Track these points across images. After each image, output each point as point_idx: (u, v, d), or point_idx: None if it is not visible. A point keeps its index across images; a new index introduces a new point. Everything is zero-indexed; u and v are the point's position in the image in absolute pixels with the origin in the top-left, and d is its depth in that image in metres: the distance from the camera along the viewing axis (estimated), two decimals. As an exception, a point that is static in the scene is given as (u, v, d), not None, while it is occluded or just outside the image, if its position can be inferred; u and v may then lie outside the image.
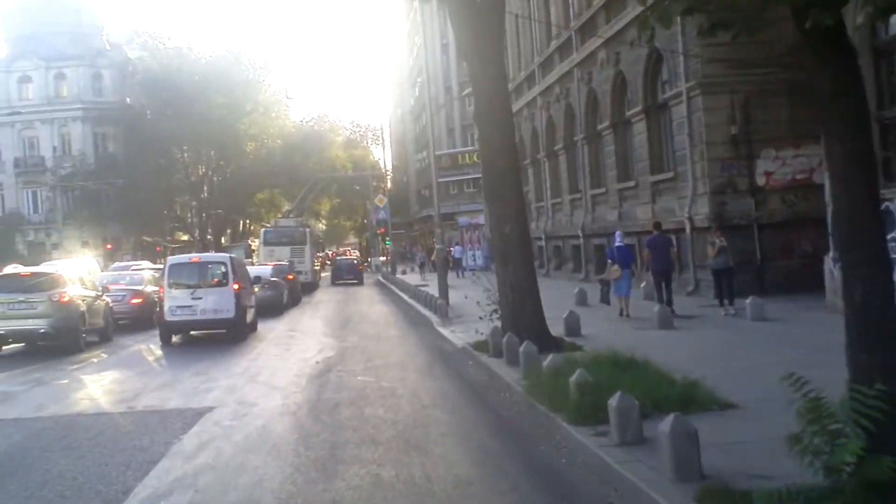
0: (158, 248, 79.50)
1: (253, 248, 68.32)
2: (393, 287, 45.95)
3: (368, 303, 38.77)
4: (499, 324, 17.33)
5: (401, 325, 27.23)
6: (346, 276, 61.81)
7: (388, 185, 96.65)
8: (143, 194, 71.79)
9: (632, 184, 32.15)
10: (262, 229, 52.91)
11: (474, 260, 60.70)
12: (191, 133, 72.32)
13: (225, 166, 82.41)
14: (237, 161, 79.89)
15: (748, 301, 19.56)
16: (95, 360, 20.78)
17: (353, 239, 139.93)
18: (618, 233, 25.32)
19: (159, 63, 75.97)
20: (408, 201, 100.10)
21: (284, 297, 34.59)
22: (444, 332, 22.26)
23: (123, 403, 14.23)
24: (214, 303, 24.15)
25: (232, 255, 27.45)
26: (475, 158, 74.73)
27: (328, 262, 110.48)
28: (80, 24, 78.61)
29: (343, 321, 29.45)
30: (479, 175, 68.56)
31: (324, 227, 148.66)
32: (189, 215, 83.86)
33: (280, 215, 68.69)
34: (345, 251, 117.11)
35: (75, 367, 19.31)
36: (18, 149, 77.85)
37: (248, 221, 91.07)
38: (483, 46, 17.31)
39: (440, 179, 78.31)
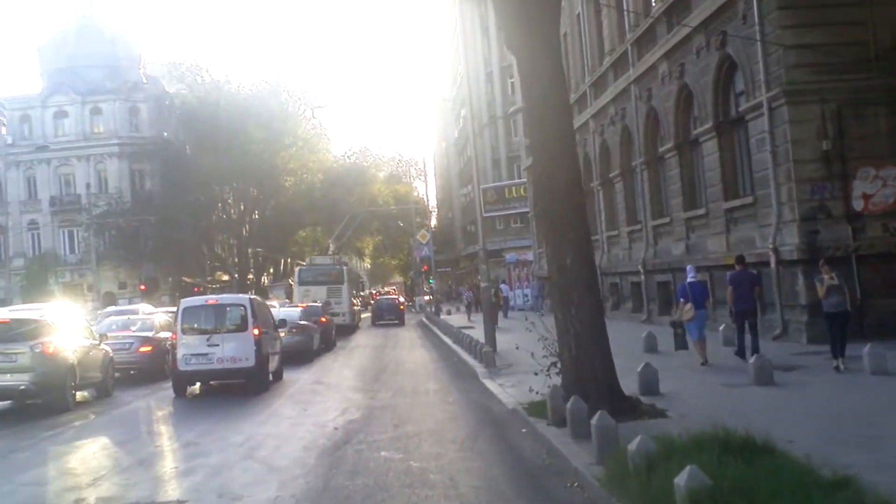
0: (197, 289, 77.02)
1: (294, 287, 65.65)
2: (436, 329, 42.54)
3: (408, 347, 35.32)
4: (558, 380, 13.85)
5: (441, 376, 23.68)
6: (387, 316, 58.76)
7: (433, 221, 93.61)
8: (180, 233, 69.25)
9: (701, 212, 28.37)
10: (297, 268, 49.84)
11: (523, 300, 57.15)
12: (229, 168, 69.67)
13: (264, 202, 79.80)
14: (276, 197, 77.18)
15: (866, 350, 15.83)
16: (79, 422, 17.48)
17: (398, 278, 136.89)
18: (689, 267, 21.67)
19: (197, 96, 73.76)
20: (453, 238, 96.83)
21: (315, 342, 31.24)
22: (492, 386, 18.77)
23: (72, 493, 10.87)
24: (233, 350, 21.32)
25: (252, 297, 24.12)
26: (522, 192, 71.34)
27: (371, 302, 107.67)
28: (117, 56, 76.99)
29: (377, 371, 25.99)
30: (527, 209, 65.41)
31: (368, 266, 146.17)
32: (228, 254, 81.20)
33: (318, 253, 65.80)
34: (388, 291, 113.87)
35: (50, 432, 16.02)
36: (55, 186, 75.82)
37: (289, 260, 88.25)
38: (536, 31, 13.92)
39: (486, 215, 75.44)
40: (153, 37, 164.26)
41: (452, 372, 24.23)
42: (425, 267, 63.80)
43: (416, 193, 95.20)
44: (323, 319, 35.46)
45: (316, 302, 43.62)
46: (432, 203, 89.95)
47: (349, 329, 46.74)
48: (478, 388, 19.43)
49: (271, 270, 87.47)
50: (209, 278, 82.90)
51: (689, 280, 20.38)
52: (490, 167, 76.14)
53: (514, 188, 72.36)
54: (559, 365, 13.99)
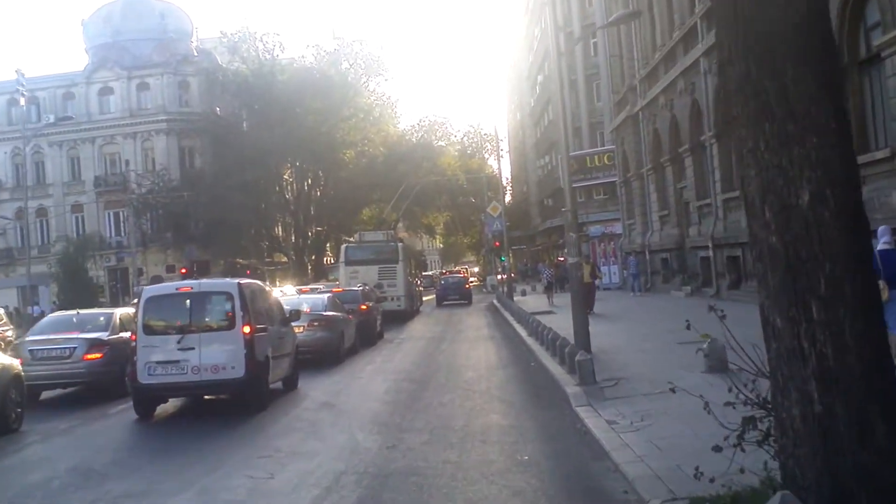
0: (249, 272, 70.17)
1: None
2: (507, 315, 34.54)
3: (471, 341, 27.18)
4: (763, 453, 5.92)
5: (511, 397, 15.31)
6: (452, 295, 52.95)
7: (507, 196, 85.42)
8: (233, 213, 62.16)
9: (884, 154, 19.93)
10: (343, 245, 42.11)
11: (610, 278, 48.84)
12: (284, 143, 62.38)
13: (323, 178, 72.53)
14: (336, 172, 69.77)
15: None
16: None
17: (471, 258, 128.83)
18: (883, 229, 13.12)
19: (250, 67, 66.55)
20: (528, 214, 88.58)
21: (346, 338, 23.36)
22: (598, 429, 10.68)
23: None
24: (214, 355, 14.71)
25: (242, 282, 16.32)
26: (606, 160, 62.88)
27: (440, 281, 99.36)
28: (166, 29, 70.21)
29: (419, 383, 17.99)
30: (611, 179, 56.96)
31: (440, 246, 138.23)
32: (287, 234, 74.05)
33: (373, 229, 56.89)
34: (459, 269, 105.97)
35: None
36: (100, 166, 69.34)
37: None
38: None
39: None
40: (206, 8, 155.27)
41: (528, 390, 16.07)
42: (497, 243, 55.72)
43: (489, 169, 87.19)
44: (364, 307, 27.66)
45: (363, 285, 35.99)
46: (506, 177, 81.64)
47: (406, 315, 38.99)
48: (572, 432, 11.33)
49: (332, 251, 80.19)
50: (267, 260, 76.02)
51: (880, 247, 11.92)
52: (571, 137, 67.35)
53: (596, 157, 63.96)
54: (777, 425, 5.87)
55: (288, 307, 19.50)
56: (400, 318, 37.92)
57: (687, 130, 34.36)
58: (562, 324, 22.15)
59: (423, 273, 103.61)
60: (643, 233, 43.11)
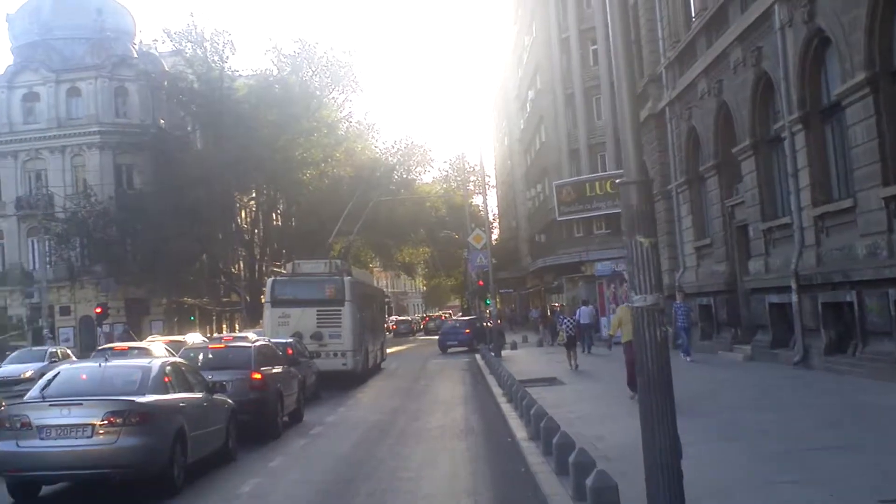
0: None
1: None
2: (494, 384, 23.46)
3: (430, 443, 15.62)
4: None
5: None
6: (452, 342, 46.95)
7: (494, 233, 74.56)
8: (177, 242, 51.33)
9: None
10: (270, 279, 31.13)
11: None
12: (235, 161, 51.63)
13: (282, 204, 61.82)
14: (294, 197, 59.05)
15: None
16: None
17: (456, 301, 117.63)
18: None
19: (196, 72, 55.94)
20: (517, 253, 77.69)
21: (187, 445, 12.21)
22: None
23: None
24: None
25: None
26: (608, 188, 52.03)
27: (421, 329, 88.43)
28: (102, 27, 59.26)
29: None
30: (615, 210, 46.40)
31: (423, 288, 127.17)
32: (242, 269, 62.91)
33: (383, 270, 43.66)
34: (441, 314, 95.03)
35: None
36: (22, 185, 58.25)
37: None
38: None
39: (560, 218, 56.24)
40: (153, 7, 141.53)
41: None
42: (480, 282, 44.80)
43: (474, 206, 76.43)
44: (256, 376, 16.51)
45: (294, 336, 25.21)
46: (492, 212, 70.82)
47: (353, 379, 27.84)
48: None
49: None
50: (225, 299, 64.93)
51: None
52: (566, 159, 56.90)
53: (597, 183, 53.03)
54: None
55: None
56: (345, 383, 26.88)
57: (746, 120, 23.76)
58: (587, 414, 14.83)
59: (399, 318, 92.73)
60: (671, 270, 32.29)
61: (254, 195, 60.76)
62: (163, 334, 46.88)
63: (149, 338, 32.48)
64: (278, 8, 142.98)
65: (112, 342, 37.14)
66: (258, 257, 59.03)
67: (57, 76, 57.89)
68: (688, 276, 30.55)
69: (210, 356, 17.41)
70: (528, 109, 66.46)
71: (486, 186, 53.31)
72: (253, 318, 54.41)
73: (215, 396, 14.13)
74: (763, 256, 23.63)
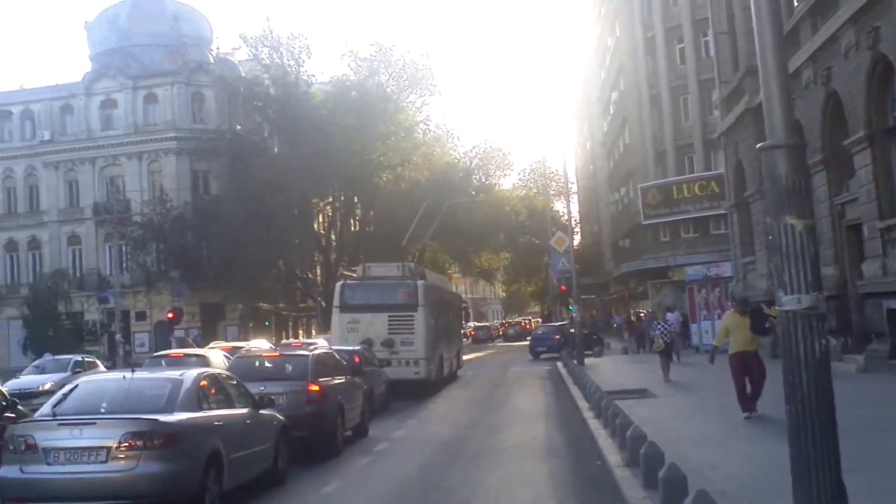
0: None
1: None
2: (578, 395, 21.30)
3: (509, 464, 13.63)
4: None
5: None
6: (541, 348, 44.63)
7: (577, 238, 72.08)
8: (253, 248, 50.16)
9: None
10: (339, 283, 29.08)
11: (712, 335, 35.50)
12: (312, 166, 50.30)
13: (360, 209, 60.43)
14: (372, 202, 57.59)
15: None
16: None
17: (536, 308, 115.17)
18: None
19: (273, 76, 54.82)
20: (600, 258, 75.13)
21: (216, 469, 10.48)
22: None
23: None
24: None
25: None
26: (696, 190, 49.44)
27: (500, 335, 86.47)
28: (179, 34, 58.60)
29: None
30: (704, 213, 43.88)
31: (502, 294, 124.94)
32: (318, 274, 61.58)
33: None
34: (520, 321, 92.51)
35: None
36: (100, 191, 57.82)
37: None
38: None
39: (645, 222, 53.64)
40: (230, 14, 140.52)
41: None
42: (563, 287, 42.60)
43: (555, 211, 74.27)
44: (314, 388, 14.66)
45: (364, 342, 23.54)
46: (574, 218, 68.27)
47: (427, 388, 25.94)
48: None
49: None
50: (301, 305, 63.74)
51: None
52: (651, 161, 54.32)
53: (685, 186, 50.45)
54: None
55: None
56: (417, 393, 24.97)
57: (861, 108, 21.24)
58: (690, 435, 13.34)
59: (478, 324, 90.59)
60: (770, 275, 29.71)
61: (330, 200, 59.36)
62: (237, 339, 45.78)
63: (211, 343, 30.98)
64: (355, 12, 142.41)
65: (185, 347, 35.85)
66: (334, 262, 57.61)
67: (134, 83, 57.41)
68: (789, 281, 27.94)
69: (264, 366, 15.63)
70: (612, 111, 63.98)
71: (569, 189, 50.77)
72: (327, 323, 52.77)
73: (262, 412, 12.32)
74: (880, 258, 21.09)
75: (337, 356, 17.30)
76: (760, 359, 14.81)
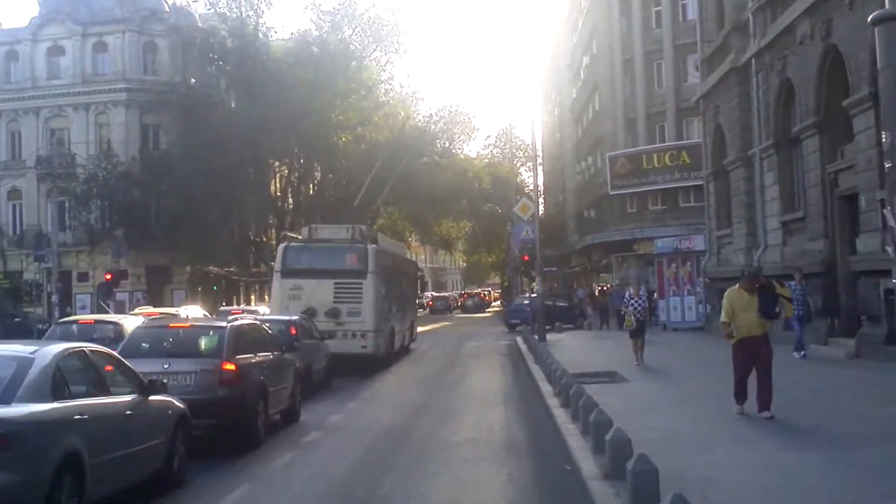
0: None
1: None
2: (539, 376, 18.92)
3: (451, 484, 10.61)
4: None
5: None
6: (515, 320, 42.88)
7: (540, 208, 69.61)
8: (204, 207, 47.36)
9: None
10: (282, 245, 25.99)
11: (684, 313, 33.55)
12: (268, 121, 47.40)
13: (318, 170, 57.62)
14: (330, 163, 54.79)
15: None
16: None
17: (497, 279, 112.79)
18: None
19: (230, 26, 51.74)
20: (563, 230, 72.77)
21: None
22: None
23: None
24: None
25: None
26: (667, 160, 47.15)
27: (459, 306, 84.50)
28: (135, -20, 54.97)
29: None
30: (674, 184, 41.43)
31: (463, 265, 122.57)
32: (271, 237, 58.75)
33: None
34: (479, 292, 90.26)
35: None
36: (43, 143, 54.36)
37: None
38: None
39: (613, 192, 51.27)
40: None
41: None
42: (526, 257, 40.17)
43: (519, 179, 71.74)
44: (228, 367, 12.12)
45: (306, 312, 21.09)
46: (539, 187, 65.56)
47: (375, 363, 23.44)
48: None
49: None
50: (255, 269, 60.88)
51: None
52: (622, 129, 51.84)
53: (655, 155, 48.07)
54: None
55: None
56: (364, 369, 22.50)
57: (866, 64, 18.87)
58: (675, 434, 11.48)
59: (437, 294, 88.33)
60: (748, 249, 27.53)
61: (287, 161, 56.45)
62: (184, 304, 43.14)
63: (137, 308, 28.17)
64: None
65: (124, 312, 32.95)
66: (290, 226, 54.77)
67: (83, 29, 53.89)
68: (770, 256, 25.75)
69: (170, 338, 13.01)
70: (582, 76, 61.36)
71: (536, 156, 48.21)
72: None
73: (153, 399, 9.76)
74: (878, 232, 18.83)
75: (263, 327, 14.68)
76: (770, 345, 12.37)
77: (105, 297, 44.71)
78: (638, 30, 50.58)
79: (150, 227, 50.95)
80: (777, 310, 12.33)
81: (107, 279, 41.12)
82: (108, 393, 8.95)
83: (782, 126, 24.80)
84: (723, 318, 12.49)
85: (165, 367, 11.86)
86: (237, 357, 12.45)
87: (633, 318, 20.77)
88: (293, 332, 18.12)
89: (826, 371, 17.86)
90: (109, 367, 9.41)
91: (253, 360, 12.97)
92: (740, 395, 12.38)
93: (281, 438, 13.38)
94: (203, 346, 12.59)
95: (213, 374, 12.01)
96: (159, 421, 9.84)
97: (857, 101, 19.23)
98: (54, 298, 44.24)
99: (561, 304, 45.12)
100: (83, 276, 52.71)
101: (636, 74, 50.71)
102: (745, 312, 12.02)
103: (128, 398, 9.25)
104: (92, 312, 44.47)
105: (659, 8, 49.43)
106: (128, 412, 9.04)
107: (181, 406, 10.47)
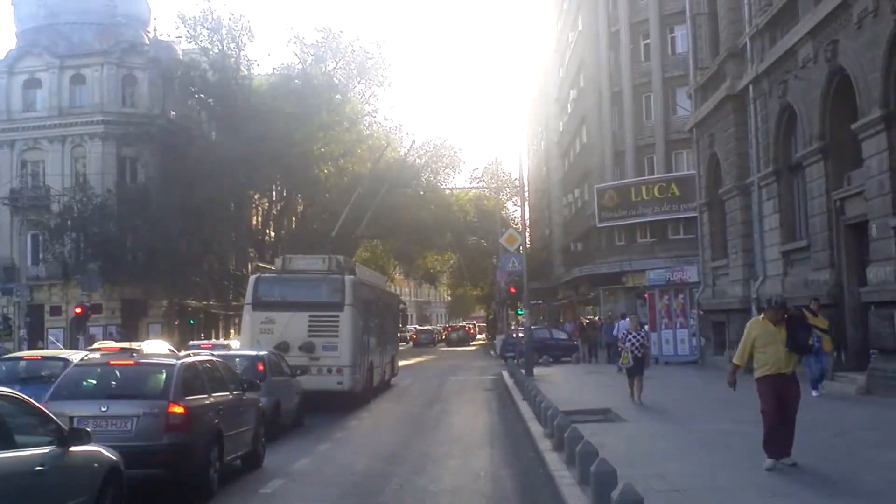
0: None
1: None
2: (528, 416, 17.32)
3: None
4: None
5: None
6: (510, 353, 38.97)
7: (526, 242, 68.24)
8: (179, 240, 45.91)
9: None
10: (254, 276, 23.99)
11: (677, 346, 32.04)
12: (248, 156, 45.98)
13: (301, 203, 56.19)
14: (311, 197, 53.39)
15: None
16: None
17: (482, 312, 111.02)
18: None
19: (210, 59, 50.49)
20: (549, 263, 71.36)
21: None
22: None
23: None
24: None
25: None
26: (656, 192, 45.95)
27: (443, 339, 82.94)
28: (114, 13, 53.65)
29: None
30: (663, 216, 39.96)
31: (448, 298, 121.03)
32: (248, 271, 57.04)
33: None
34: (463, 325, 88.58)
35: None
36: (18, 176, 52.67)
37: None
38: None
39: (602, 224, 49.88)
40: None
41: None
42: (512, 290, 38.69)
43: (505, 212, 70.62)
44: (176, 410, 10.49)
45: (279, 347, 19.54)
46: (524, 218, 64.12)
47: (351, 401, 21.72)
48: None
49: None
50: (234, 303, 58.99)
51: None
52: (610, 162, 50.63)
53: (643, 188, 46.86)
54: None
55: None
56: (340, 406, 20.87)
57: (877, 86, 17.63)
58: (690, 485, 9.80)
59: (420, 328, 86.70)
60: (745, 280, 26.12)
61: (268, 193, 54.96)
62: (158, 338, 41.55)
63: (96, 343, 26.46)
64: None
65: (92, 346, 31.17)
66: (270, 259, 53.10)
67: (61, 62, 52.47)
68: (770, 287, 24.27)
69: (111, 377, 11.34)
70: (570, 110, 60.20)
71: (524, 188, 46.83)
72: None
73: (75, 450, 8.14)
74: (892, 261, 17.42)
75: (222, 364, 13.03)
76: (798, 384, 10.83)
77: (77, 331, 42.99)
78: (626, 62, 49.53)
79: (125, 260, 49.38)
80: (810, 342, 10.76)
81: (76, 313, 39.31)
82: (12, 445, 7.33)
83: (783, 153, 23.49)
84: (735, 357, 10.89)
85: (103, 409, 10.32)
86: (187, 398, 10.84)
87: (628, 355, 19.08)
88: (260, 368, 16.54)
89: (841, 409, 16.32)
90: (21, 415, 7.80)
91: (207, 402, 11.36)
92: (773, 446, 10.48)
93: (237, 488, 11.76)
94: (148, 387, 10.96)
95: (157, 417, 10.40)
96: (81, 477, 8.23)
97: (868, 123, 17.88)
98: (23, 332, 42.44)
99: (559, 335, 43.64)
100: (56, 310, 50.99)
101: (624, 107, 49.62)
102: (772, 346, 10.38)
103: (40, 450, 7.64)
104: (65, 347, 42.75)
105: (647, 41, 48.46)
106: (38, 468, 7.42)
107: (112, 457, 8.86)
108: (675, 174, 45.62)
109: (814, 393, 17.95)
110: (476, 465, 13.41)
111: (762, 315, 10.94)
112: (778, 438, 10.40)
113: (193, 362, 11.83)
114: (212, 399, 11.56)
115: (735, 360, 10.82)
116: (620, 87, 49.92)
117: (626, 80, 49.55)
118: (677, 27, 46.08)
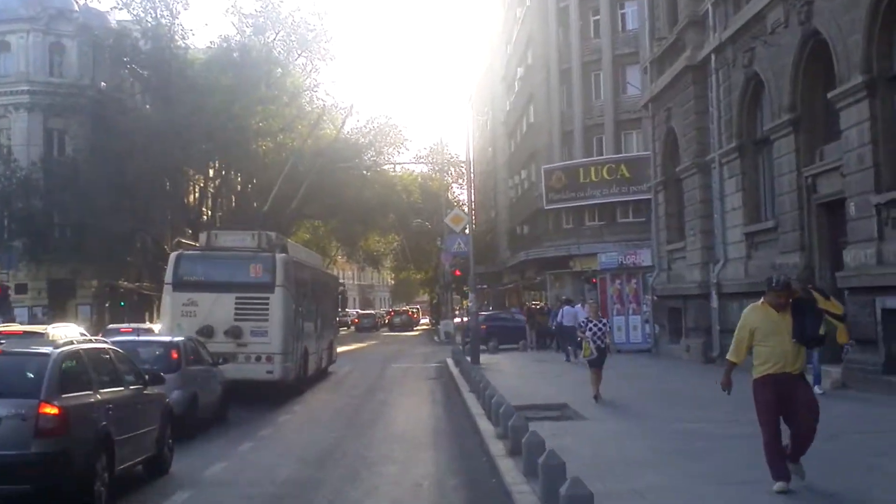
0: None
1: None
2: (476, 411, 15.53)
3: None
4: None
5: None
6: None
7: (472, 223, 66.44)
8: (109, 217, 43.21)
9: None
10: (174, 253, 21.89)
11: (630, 332, 30.49)
12: (183, 129, 43.56)
13: (240, 180, 53.82)
14: (250, 173, 51.02)
15: None
16: None
17: (425, 297, 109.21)
18: None
19: (143, 28, 47.72)
20: (494, 247, 69.67)
21: None
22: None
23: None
24: None
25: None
26: (605, 174, 44.40)
27: (386, 324, 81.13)
28: (43, -22, 50.48)
29: None
30: (612, 198, 38.44)
31: (391, 282, 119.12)
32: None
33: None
34: (406, 310, 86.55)
35: None
36: (-63, 149, 49.48)
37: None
38: None
39: (549, 206, 48.17)
40: None
41: None
42: (458, 272, 36.88)
43: (452, 194, 68.79)
44: (50, 411, 8.44)
45: (200, 332, 17.50)
46: (469, 200, 62.28)
47: (282, 392, 19.74)
48: None
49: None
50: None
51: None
52: (558, 142, 48.91)
53: (592, 169, 45.24)
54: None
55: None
56: (269, 398, 18.88)
57: (858, 49, 16.06)
58: None
59: (363, 312, 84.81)
60: (704, 263, 24.54)
61: (204, 169, 52.38)
62: (88, 321, 39.44)
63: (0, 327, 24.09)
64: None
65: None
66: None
67: (-16, 28, 49.30)
68: (731, 272, 22.74)
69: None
70: (517, 88, 58.39)
71: (470, 168, 44.96)
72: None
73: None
74: (873, 242, 15.87)
75: (117, 352, 10.89)
76: (809, 386, 8.99)
77: (8, 311, 40.36)
78: (575, 39, 47.77)
79: (52, 237, 46.79)
80: (822, 332, 8.81)
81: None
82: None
83: (747, 127, 21.89)
84: (730, 354, 8.92)
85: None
86: (65, 395, 8.76)
87: (590, 345, 17.16)
88: (174, 356, 14.47)
89: (821, 407, 14.68)
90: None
91: (91, 400, 9.28)
92: (778, 465, 8.46)
93: (133, 502, 9.72)
94: (15, 382, 8.83)
95: (25, 420, 8.34)
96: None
97: (847, 91, 16.28)
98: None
99: (519, 317, 41.74)
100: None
101: (573, 85, 47.89)
102: (774, 337, 8.39)
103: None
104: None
105: (598, 17, 46.78)
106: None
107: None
108: (624, 155, 44.15)
109: (817, 390, 15.95)
110: (418, 472, 11.52)
111: (761, 300, 8.98)
112: (780, 453, 8.53)
113: (76, 351, 9.70)
114: (99, 396, 9.48)
115: (730, 357, 8.86)
116: (570, 64, 48.16)
117: (575, 57, 47.80)
118: (628, 3, 44.72)
